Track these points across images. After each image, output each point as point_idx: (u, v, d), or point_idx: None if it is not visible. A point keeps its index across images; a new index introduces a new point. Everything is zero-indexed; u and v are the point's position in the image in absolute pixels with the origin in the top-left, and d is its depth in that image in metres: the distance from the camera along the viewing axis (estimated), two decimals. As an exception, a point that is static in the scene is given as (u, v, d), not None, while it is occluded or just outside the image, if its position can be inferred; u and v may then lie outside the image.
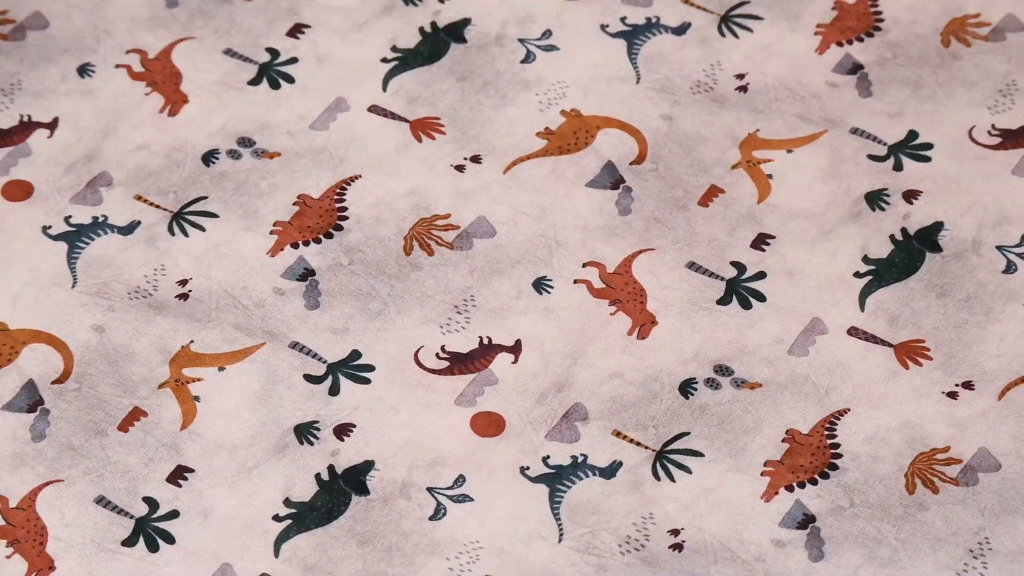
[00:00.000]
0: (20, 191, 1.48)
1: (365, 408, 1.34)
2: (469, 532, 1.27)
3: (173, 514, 1.28)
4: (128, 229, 1.46)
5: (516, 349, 1.38)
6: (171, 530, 1.27)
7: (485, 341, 1.39)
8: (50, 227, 1.46)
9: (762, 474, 1.29)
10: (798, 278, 1.38)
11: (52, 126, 1.52)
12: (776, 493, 1.28)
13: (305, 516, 1.28)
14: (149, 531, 1.27)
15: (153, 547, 1.26)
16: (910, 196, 1.42)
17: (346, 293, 1.42)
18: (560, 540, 1.27)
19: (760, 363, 1.34)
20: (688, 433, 1.32)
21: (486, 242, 1.45)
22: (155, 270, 1.43)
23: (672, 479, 1.30)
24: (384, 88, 1.55)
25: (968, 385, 1.33)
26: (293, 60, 1.58)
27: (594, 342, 1.38)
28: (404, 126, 1.52)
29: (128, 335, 1.38)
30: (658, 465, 1.31)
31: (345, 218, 1.47)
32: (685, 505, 1.28)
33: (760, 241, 1.40)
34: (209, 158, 1.50)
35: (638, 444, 1.32)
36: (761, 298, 1.37)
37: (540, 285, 1.42)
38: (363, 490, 1.29)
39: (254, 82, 1.56)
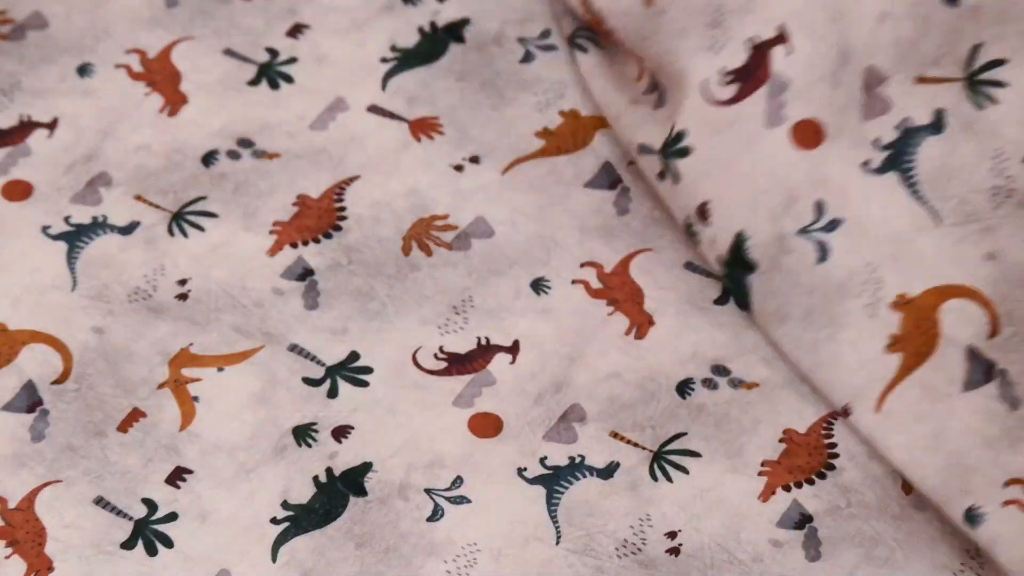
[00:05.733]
0: (20, 191, 1.48)
1: (363, 410, 1.34)
2: (467, 533, 1.28)
3: (172, 516, 1.28)
4: (128, 229, 1.46)
5: (514, 350, 1.38)
6: (169, 533, 1.27)
7: (483, 342, 1.39)
8: (50, 227, 1.46)
9: (759, 474, 1.30)
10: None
11: (52, 126, 1.52)
12: (773, 493, 1.29)
13: (302, 518, 1.28)
14: (148, 534, 1.27)
15: (152, 551, 1.26)
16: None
17: (345, 293, 1.42)
18: (558, 542, 1.27)
19: None
20: (685, 433, 1.32)
21: (484, 242, 1.45)
22: (154, 270, 1.43)
23: (669, 479, 1.30)
24: (384, 88, 1.55)
25: None
26: (292, 60, 1.58)
27: (592, 343, 1.38)
28: (403, 126, 1.52)
29: (128, 336, 1.38)
30: (655, 465, 1.31)
31: (344, 218, 1.47)
32: (683, 506, 1.28)
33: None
34: (209, 159, 1.51)
35: (635, 445, 1.32)
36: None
37: (538, 286, 1.42)
38: (361, 491, 1.29)
39: (254, 83, 1.56)
